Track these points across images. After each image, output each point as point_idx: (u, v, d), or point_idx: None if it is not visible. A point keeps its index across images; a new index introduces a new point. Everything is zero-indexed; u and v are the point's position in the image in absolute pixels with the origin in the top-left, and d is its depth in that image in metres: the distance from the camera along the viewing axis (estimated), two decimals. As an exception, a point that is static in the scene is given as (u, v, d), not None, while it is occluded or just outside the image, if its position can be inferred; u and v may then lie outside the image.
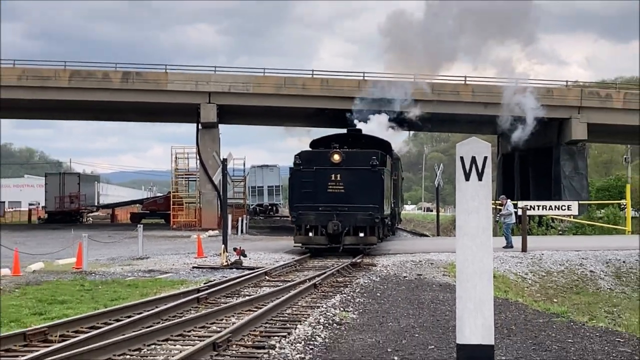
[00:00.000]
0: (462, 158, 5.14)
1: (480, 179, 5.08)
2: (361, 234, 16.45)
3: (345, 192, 16.35)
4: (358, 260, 15.45)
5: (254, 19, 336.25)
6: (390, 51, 29.20)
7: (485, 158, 5.09)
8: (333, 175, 16.41)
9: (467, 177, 5.14)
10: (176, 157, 33.43)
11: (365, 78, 30.70)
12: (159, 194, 49.78)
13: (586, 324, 8.54)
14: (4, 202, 51.54)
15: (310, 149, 18.81)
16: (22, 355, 5.79)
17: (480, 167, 5.09)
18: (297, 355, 6.06)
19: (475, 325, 4.91)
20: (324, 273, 12.57)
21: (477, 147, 5.14)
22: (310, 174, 16.68)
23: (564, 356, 6.23)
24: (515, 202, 24.99)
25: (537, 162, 35.73)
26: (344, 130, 21.78)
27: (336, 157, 16.35)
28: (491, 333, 4.91)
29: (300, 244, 17.34)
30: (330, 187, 16.42)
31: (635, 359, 6.08)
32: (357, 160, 16.78)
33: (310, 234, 16.74)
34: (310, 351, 6.27)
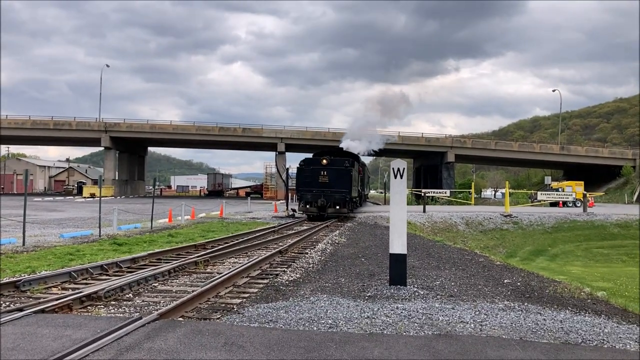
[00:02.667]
0: (394, 168, 8.63)
1: (401, 178, 8.62)
2: (337, 207, 24.96)
3: (329, 182, 24.88)
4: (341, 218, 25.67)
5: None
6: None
7: (404, 168, 8.64)
8: (322, 172, 25.02)
9: (395, 177, 8.62)
10: (266, 167, 69.26)
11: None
12: (257, 184, 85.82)
13: (452, 245, 16.04)
14: (188, 185, 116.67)
15: (311, 157, 27.61)
16: (195, 253, 12.68)
17: (401, 172, 8.59)
18: (317, 257, 12.91)
19: (398, 244, 8.50)
20: (331, 221, 24.16)
21: (400, 163, 8.70)
22: (309, 171, 25.34)
23: (440, 258, 13.18)
24: (420, 189, 52.06)
25: (431, 171, 70.17)
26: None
27: (324, 161, 25.32)
28: (405, 248, 8.51)
29: (301, 212, 26.45)
30: (320, 179, 24.96)
31: (466, 257, 13.16)
32: (337, 163, 25.44)
33: (308, 206, 25.36)
34: (324, 255, 13.14)
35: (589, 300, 8.08)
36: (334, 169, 25.11)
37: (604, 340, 5.80)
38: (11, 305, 6.97)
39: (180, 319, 6.36)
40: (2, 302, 7.24)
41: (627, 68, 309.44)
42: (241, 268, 9.83)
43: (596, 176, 66.69)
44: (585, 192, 41.13)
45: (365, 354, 4.93)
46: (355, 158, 28.89)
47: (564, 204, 43.02)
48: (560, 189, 47.15)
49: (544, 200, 41.38)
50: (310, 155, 28.84)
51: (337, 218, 25.20)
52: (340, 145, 33.27)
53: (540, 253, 25.73)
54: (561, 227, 29.58)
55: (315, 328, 6.00)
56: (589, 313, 7.17)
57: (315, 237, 17.24)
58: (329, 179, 24.94)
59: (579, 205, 39.64)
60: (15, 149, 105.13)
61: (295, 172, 26.89)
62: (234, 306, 7.21)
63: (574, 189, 46.45)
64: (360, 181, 30.76)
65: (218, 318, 6.53)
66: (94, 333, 5.18)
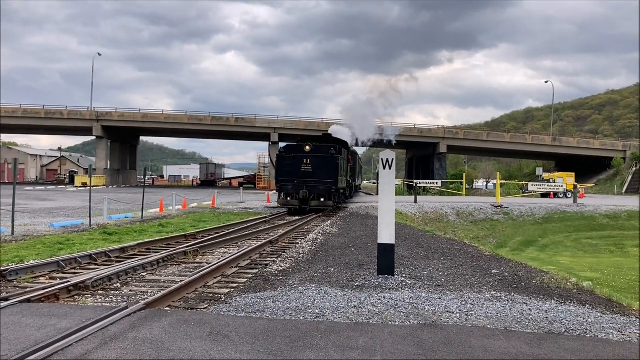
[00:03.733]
0: (382, 159, 8.66)
1: (390, 169, 8.64)
2: (322, 199, 22.31)
3: (312, 171, 22.23)
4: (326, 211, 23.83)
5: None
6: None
7: (393, 159, 8.63)
8: (305, 160, 22.35)
9: (384, 167, 8.63)
10: (259, 157, 70.93)
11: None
12: (251, 174, 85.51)
13: (442, 235, 16.11)
14: (180, 175, 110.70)
15: (293, 143, 24.97)
16: (185, 243, 12.67)
17: (390, 163, 8.61)
18: (308, 247, 12.92)
19: (386, 234, 8.47)
20: (323, 211, 23.04)
21: (389, 154, 8.70)
22: (290, 159, 22.56)
23: (430, 248, 13.24)
24: (412, 180, 52.90)
25: (423, 162, 70.63)
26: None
27: (307, 148, 22.46)
28: (393, 238, 8.51)
29: (281, 205, 23.71)
30: (303, 168, 22.32)
31: (456, 247, 13.23)
32: (321, 150, 22.61)
33: (289, 199, 22.70)
34: (314, 245, 13.15)
35: (574, 291, 8.15)
36: (318, 156, 22.46)
37: (587, 329, 5.85)
38: (-3, 294, 6.94)
39: (167, 308, 6.36)
40: (-12, 292, 7.22)
41: (618, 60, 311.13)
42: (230, 258, 9.83)
43: (587, 167, 67.08)
44: (576, 184, 41.38)
45: (350, 343, 4.95)
46: (343, 145, 26.27)
47: (555, 195, 43.26)
48: (551, 180, 47.39)
49: (535, 191, 41.59)
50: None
51: (321, 212, 22.76)
52: (329, 132, 30.81)
53: (531, 244, 25.90)
54: (551, 218, 29.76)
55: (301, 318, 6.02)
56: (574, 303, 7.24)
57: (306, 227, 17.25)
58: (312, 168, 22.36)
59: (569, 196, 39.88)
60: (6, 137, 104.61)
61: (276, 159, 24.22)
62: (222, 296, 7.22)
63: (565, 180, 46.71)
64: (349, 171, 28.65)
65: (205, 308, 6.54)
66: (79, 322, 5.18)
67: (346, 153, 26.14)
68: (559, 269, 16.02)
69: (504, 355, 4.77)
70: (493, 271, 9.78)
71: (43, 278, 8.39)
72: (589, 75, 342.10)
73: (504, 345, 5.06)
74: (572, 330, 5.82)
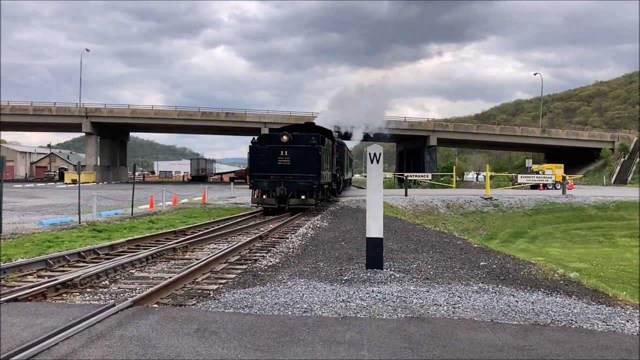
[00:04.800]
0: (370, 153, 8.73)
1: (377, 162, 8.68)
2: (302, 197, 19.57)
3: (291, 165, 19.43)
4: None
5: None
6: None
7: (380, 153, 8.67)
8: (282, 152, 19.51)
9: (372, 161, 8.69)
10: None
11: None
12: (242, 169, 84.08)
13: (431, 228, 16.18)
14: (171, 171, 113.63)
15: (267, 133, 23.28)
16: (175, 239, 12.63)
17: (377, 157, 8.65)
18: (297, 242, 12.92)
19: (374, 228, 8.53)
20: (304, 210, 20.41)
21: (376, 148, 8.71)
22: (265, 151, 19.70)
23: (419, 241, 13.27)
24: (402, 173, 53.34)
25: (414, 155, 71.02)
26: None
27: (285, 138, 19.60)
28: (381, 232, 8.60)
29: (255, 204, 21.05)
30: (280, 161, 19.52)
31: (445, 240, 13.29)
32: (301, 140, 19.81)
33: (264, 197, 19.97)
34: (304, 239, 13.16)
35: (561, 282, 8.22)
36: (297, 147, 19.64)
37: (572, 320, 5.91)
38: (-16, 294, 6.90)
39: (155, 305, 6.36)
40: (-25, 291, 7.17)
41: (606, 51, 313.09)
42: (220, 254, 9.83)
43: (576, 159, 67.54)
44: (564, 175, 41.64)
45: (336, 337, 4.98)
46: (327, 134, 23.75)
47: (544, 186, 43.53)
48: (540, 172, 47.67)
49: (524, 183, 41.84)
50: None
51: (302, 211, 20.10)
52: (315, 123, 27.80)
53: (520, 235, 26.07)
54: (541, 210, 29.95)
55: (289, 313, 6.03)
56: (560, 294, 7.30)
57: (297, 222, 17.26)
58: (291, 161, 19.53)
59: (558, 187, 40.15)
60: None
61: (248, 152, 21.13)
62: (210, 292, 7.22)
63: (554, 171, 46.99)
64: (335, 163, 26.08)
65: (193, 304, 6.54)
66: (65, 321, 5.17)
67: (330, 143, 23.72)
68: (548, 260, 16.16)
69: (490, 347, 4.82)
70: (481, 263, 9.84)
71: (31, 276, 8.35)
72: (577, 67, 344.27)
73: (490, 337, 5.11)
74: (558, 321, 5.88)
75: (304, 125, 24.73)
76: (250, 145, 20.49)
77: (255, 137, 20.61)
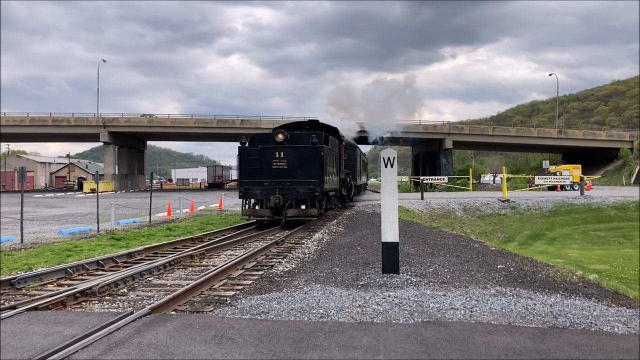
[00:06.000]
0: (384, 157, 8.66)
1: (392, 167, 8.63)
2: (302, 207, 16.71)
3: (288, 168, 16.65)
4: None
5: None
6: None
7: (394, 157, 8.60)
8: (277, 153, 16.69)
9: (386, 165, 8.64)
10: None
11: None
12: None
13: (448, 232, 16.09)
14: (188, 178, 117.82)
15: (261, 132, 19.98)
16: (192, 246, 12.72)
17: (392, 161, 8.61)
18: (313, 247, 12.92)
19: (390, 232, 8.51)
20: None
21: (390, 152, 8.67)
22: (257, 153, 16.87)
23: (436, 245, 13.21)
24: (418, 177, 53.08)
25: (430, 158, 70.83)
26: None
27: (280, 137, 16.75)
28: (397, 236, 8.55)
29: (247, 216, 17.75)
30: (275, 164, 16.70)
31: (462, 243, 13.21)
32: (300, 139, 16.99)
33: (257, 207, 17.35)
34: (320, 244, 13.15)
35: (580, 284, 8.13)
36: (295, 148, 16.82)
37: (592, 323, 5.84)
38: (5, 303, 7.01)
39: (173, 312, 6.41)
40: (-4, 300, 7.29)
41: (622, 50, 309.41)
42: (236, 260, 9.87)
43: (594, 159, 66.78)
44: (582, 175, 41.18)
45: (353, 343, 4.98)
46: (332, 132, 20.59)
47: (562, 187, 43.06)
48: (557, 173, 47.18)
49: (541, 185, 41.43)
50: None
51: (302, 225, 16.97)
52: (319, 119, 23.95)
53: (538, 237, 25.81)
54: (559, 211, 29.64)
55: (306, 318, 6.04)
56: (579, 296, 7.22)
57: (312, 227, 17.25)
58: (288, 164, 16.76)
59: (576, 188, 39.69)
60: (15, 146, 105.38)
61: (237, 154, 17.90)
62: (227, 298, 7.26)
63: (572, 172, 46.48)
64: (344, 166, 23.31)
65: (210, 311, 6.58)
66: (84, 329, 5.23)
67: (337, 143, 20.75)
68: (567, 261, 15.98)
69: (507, 350, 4.78)
70: (499, 266, 9.77)
71: (51, 285, 8.47)
72: (593, 67, 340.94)
73: (508, 340, 5.07)
74: (577, 324, 5.82)
75: (306, 123, 21.35)
76: (239, 147, 17.39)
77: (244, 138, 17.53)
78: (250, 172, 17.02)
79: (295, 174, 16.68)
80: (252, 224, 17.95)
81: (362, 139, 41.03)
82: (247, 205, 17.47)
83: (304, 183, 16.65)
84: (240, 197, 17.35)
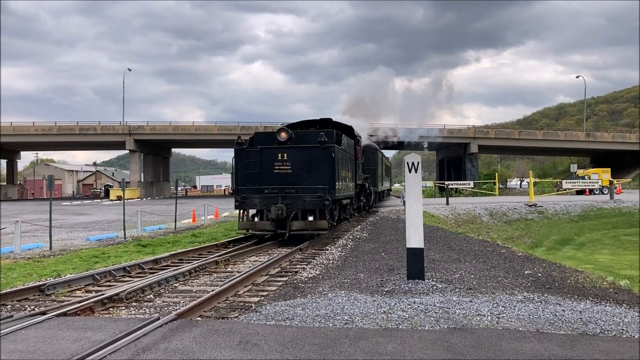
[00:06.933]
0: (408, 162, 8.66)
1: (416, 172, 8.63)
2: (310, 218, 14.36)
3: (292, 173, 14.38)
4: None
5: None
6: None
7: (419, 162, 8.60)
8: (280, 155, 14.39)
9: (410, 170, 8.64)
10: None
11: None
12: None
13: (474, 237, 15.90)
14: (212, 185, 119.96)
15: (262, 132, 17.90)
16: (217, 252, 12.80)
17: (415, 166, 8.62)
18: (337, 253, 12.88)
19: (415, 238, 8.45)
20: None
21: (414, 157, 8.65)
22: (256, 154, 14.61)
23: (462, 250, 13.09)
24: (443, 182, 52.79)
25: (454, 163, 71.18)
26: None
27: (283, 135, 14.42)
28: (422, 242, 8.48)
29: (245, 230, 15.00)
30: (277, 167, 14.45)
31: (488, 249, 13.05)
32: (307, 139, 14.67)
33: (256, 219, 15.13)
34: (344, 250, 13.13)
35: (611, 290, 7.96)
36: (301, 148, 14.47)
37: (623, 330, 5.71)
38: (35, 309, 7.15)
39: (198, 318, 6.46)
40: (26, 306, 7.44)
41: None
42: (261, 266, 9.91)
43: (624, 162, 65.46)
44: (612, 179, 40.38)
45: (378, 349, 4.95)
46: (346, 131, 17.85)
47: (591, 191, 42.29)
48: (586, 177, 46.36)
49: (569, 189, 40.74)
50: None
51: (310, 239, 14.53)
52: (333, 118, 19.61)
53: (567, 242, 25.36)
54: (587, 215, 29.10)
55: (330, 325, 6.03)
56: (610, 303, 7.06)
57: (336, 233, 17.20)
58: (292, 168, 14.39)
59: (606, 192, 38.93)
60: (44, 154, 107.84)
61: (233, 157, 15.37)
62: (252, 304, 7.29)
63: (601, 176, 45.61)
64: (362, 170, 20.78)
65: (235, 317, 6.61)
66: (112, 335, 5.30)
67: (352, 143, 18.05)
68: (596, 267, 15.66)
69: (535, 357, 4.69)
70: (526, 272, 9.62)
71: (79, 291, 8.61)
72: (620, 68, 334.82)
73: (536, 347, 4.98)
74: (608, 330, 5.69)
75: (317, 122, 18.21)
76: (235, 148, 15.06)
77: (241, 138, 15.11)
78: (248, 177, 14.72)
79: (301, 180, 14.35)
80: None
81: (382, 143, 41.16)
82: (245, 217, 15.08)
83: (312, 190, 14.25)
84: (236, 208, 15.04)
